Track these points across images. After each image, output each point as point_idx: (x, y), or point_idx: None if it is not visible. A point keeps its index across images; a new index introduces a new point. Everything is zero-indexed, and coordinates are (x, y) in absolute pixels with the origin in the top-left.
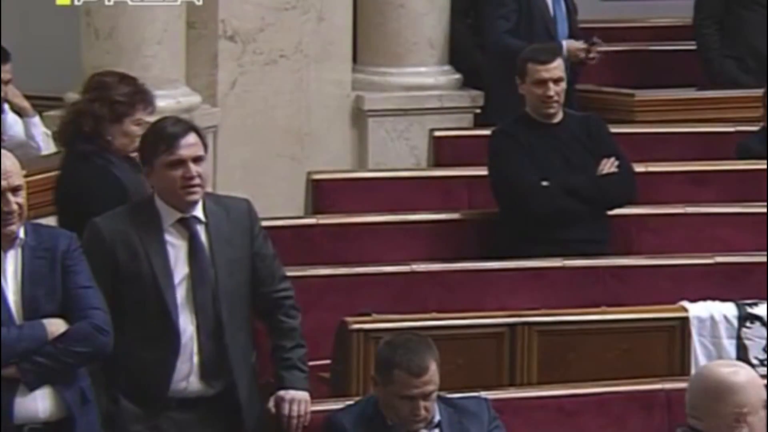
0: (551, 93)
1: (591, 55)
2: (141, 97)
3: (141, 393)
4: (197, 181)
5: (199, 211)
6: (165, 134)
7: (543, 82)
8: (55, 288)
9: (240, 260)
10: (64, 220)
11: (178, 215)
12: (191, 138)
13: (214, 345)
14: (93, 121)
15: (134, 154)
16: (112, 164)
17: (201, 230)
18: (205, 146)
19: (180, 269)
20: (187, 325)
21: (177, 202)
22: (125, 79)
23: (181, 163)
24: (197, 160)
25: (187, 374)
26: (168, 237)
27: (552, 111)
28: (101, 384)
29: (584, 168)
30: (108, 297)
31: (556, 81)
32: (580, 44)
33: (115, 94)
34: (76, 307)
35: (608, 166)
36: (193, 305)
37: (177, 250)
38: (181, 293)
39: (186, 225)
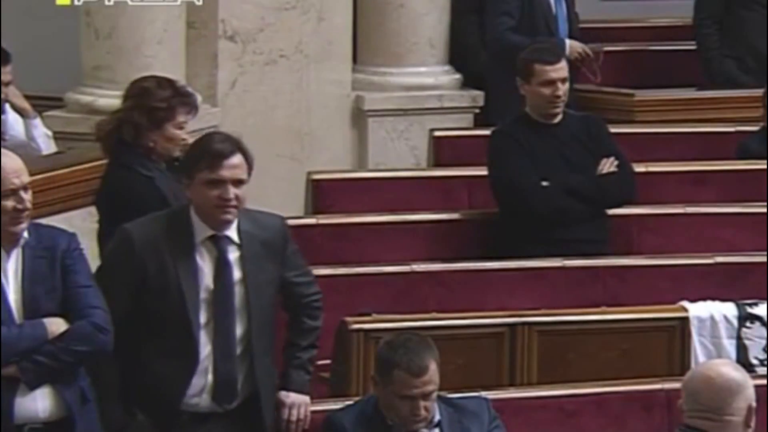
0: (560, 93)
1: (586, 61)
2: (180, 100)
3: (153, 405)
4: (233, 203)
5: (232, 231)
6: (210, 151)
7: (551, 83)
8: (55, 287)
9: (271, 281)
10: (107, 229)
11: (211, 232)
12: (236, 159)
13: (232, 364)
14: (133, 129)
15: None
16: (153, 174)
17: (233, 250)
18: (250, 168)
19: (205, 287)
20: (206, 342)
21: (210, 220)
22: (164, 83)
23: (221, 183)
24: (237, 182)
25: (200, 391)
26: (198, 253)
27: (558, 111)
28: (113, 392)
29: (584, 168)
30: (129, 306)
31: (563, 81)
32: (582, 47)
33: (154, 100)
34: (76, 306)
35: (608, 165)
36: (214, 324)
37: (205, 267)
38: (203, 311)
39: (217, 243)
